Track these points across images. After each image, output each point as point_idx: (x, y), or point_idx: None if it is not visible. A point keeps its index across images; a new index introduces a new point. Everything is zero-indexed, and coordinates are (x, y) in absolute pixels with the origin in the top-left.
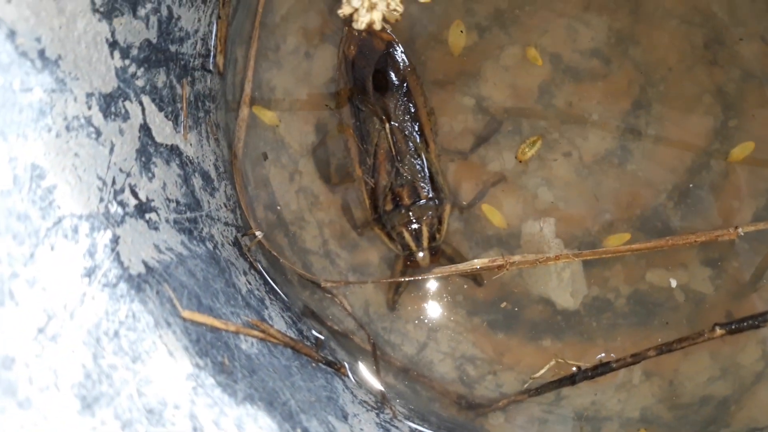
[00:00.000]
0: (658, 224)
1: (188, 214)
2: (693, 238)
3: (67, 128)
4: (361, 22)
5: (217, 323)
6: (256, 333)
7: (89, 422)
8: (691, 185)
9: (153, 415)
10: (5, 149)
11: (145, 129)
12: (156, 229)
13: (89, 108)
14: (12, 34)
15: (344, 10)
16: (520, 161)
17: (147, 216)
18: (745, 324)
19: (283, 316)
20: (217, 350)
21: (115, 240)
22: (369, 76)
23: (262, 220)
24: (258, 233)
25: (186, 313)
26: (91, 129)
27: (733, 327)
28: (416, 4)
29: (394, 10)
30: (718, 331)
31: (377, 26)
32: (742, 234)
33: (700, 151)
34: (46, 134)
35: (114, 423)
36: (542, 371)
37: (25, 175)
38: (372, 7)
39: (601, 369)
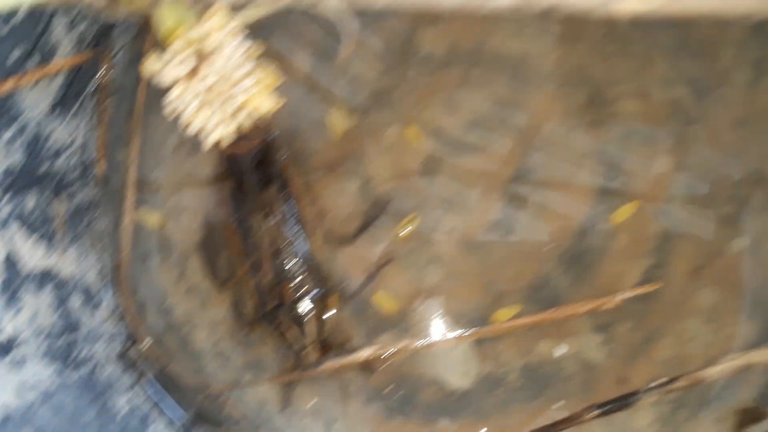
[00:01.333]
0: (547, 293)
1: (63, 339)
2: (576, 309)
3: None
4: (208, 143)
5: None
6: None
7: None
8: (578, 251)
9: None
10: None
11: (9, 261)
12: (22, 365)
13: None
14: None
15: (191, 131)
16: (398, 239)
17: (12, 353)
18: (617, 405)
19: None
20: None
21: None
22: (247, 172)
23: (152, 325)
24: (146, 341)
25: None
26: None
27: (606, 408)
28: (296, 90)
29: (240, 125)
30: (594, 412)
31: (225, 143)
32: (621, 300)
33: (585, 215)
34: None
35: None
36: None
37: None
38: (217, 126)
39: None
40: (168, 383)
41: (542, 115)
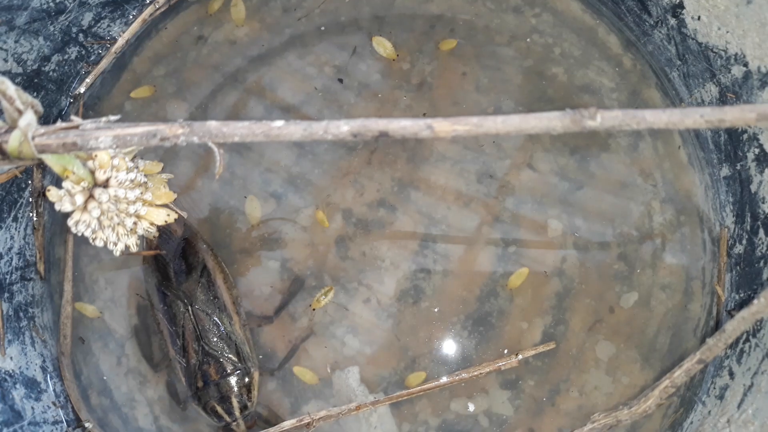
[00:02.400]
0: (455, 355)
1: (8, 431)
2: (479, 370)
3: None
4: (117, 251)
5: None
6: None
7: None
8: (481, 314)
9: None
10: None
11: None
12: None
13: None
14: None
15: (98, 244)
16: (314, 309)
17: None
18: None
19: None
20: None
21: None
22: (170, 264)
23: (96, 407)
24: (87, 424)
25: None
26: None
27: None
28: (216, 181)
29: (144, 231)
30: None
31: (133, 249)
32: (521, 359)
33: (486, 280)
34: None
35: None
36: None
37: None
38: (119, 238)
39: None
40: None
41: (439, 191)
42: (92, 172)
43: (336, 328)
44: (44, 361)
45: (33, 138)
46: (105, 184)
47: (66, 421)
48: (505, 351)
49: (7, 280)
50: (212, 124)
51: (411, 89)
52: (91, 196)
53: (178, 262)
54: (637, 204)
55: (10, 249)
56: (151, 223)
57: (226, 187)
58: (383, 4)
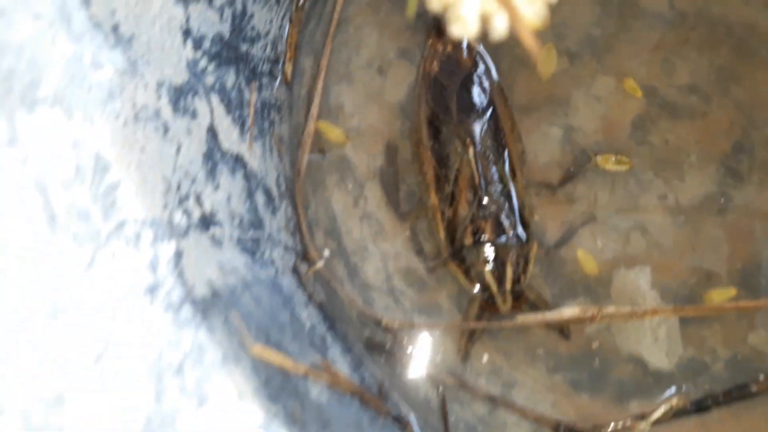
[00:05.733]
0: (762, 281)
1: (251, 233)
2: None
3: (136, 117)
4: (453, 26)
5: (288, 363)
6: (325, 377)
7: None
8: None
9: None
10: (70, 131)
11: (212, 131)
12: (220, 246)
13: (159, 98)
14: (87, 2)
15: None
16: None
17: (211, 230)
18: None
19: (345, 359)
20: (288, 395)
21: (179, 254)
22: (453, 95)
23: (321, 247)
24: (319, 261)
25: (256, 349)
26: (160, 123)
27: None
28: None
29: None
30: None
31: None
32: None
33: None
34: (114, 121)
35: None
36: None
37: (88, 165)
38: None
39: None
40: (335, 312)
41: (766, 92)
42: None
43: (621, 221)
44: (278, 177)
45: None
46: None
47: (295, 251)
48: None
49: (259, 69)
50: None
51: None
52: None
53: (463, 95)
54: None
55: (267, 33)
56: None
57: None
58: None
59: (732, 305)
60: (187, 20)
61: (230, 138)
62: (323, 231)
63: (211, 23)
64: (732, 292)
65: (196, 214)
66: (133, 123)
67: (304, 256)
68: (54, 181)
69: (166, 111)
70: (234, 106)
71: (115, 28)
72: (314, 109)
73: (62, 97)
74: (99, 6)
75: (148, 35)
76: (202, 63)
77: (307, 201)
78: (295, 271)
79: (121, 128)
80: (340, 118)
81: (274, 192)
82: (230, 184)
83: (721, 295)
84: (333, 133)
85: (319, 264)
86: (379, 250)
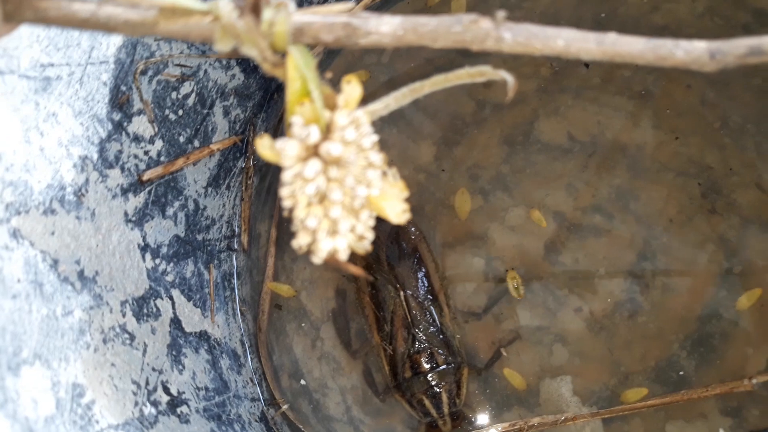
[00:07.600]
0: (673, 375)
1: (216, 399)
2: (708, 392)
3: (104, 341)
4: (320, 254)
5: None
6: None
7: None
8: (702, 334)
9: None
10: (49, 376)
11: (175, 321)
12: (187, 422)
13: (123, 315)
14: (55, 264)
15: (300, 240)
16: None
17: (178, 410)
18: None
19: None
20: None
21: None
22: (382, 246)
23: (286, 389)
24: (284, 405)
25: None
26: (126, 336)
27: None
28: (423, 173)
29: (362, 236)
30: None
31: (342, 255)
32: (756, 384)
33: (708, 300)
34: (85, 352)
35: None
36: None
37: (66, 396)
38: (334, 232)
39: None
40: None
41: (660, 203)
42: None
43: (543, 336)
44: (242, 336)
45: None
46: (334, 138)
47: (263, 400)
48: (726, 376)
49: (217, 248)
50: (531, 27)
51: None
52: (314, 148)
53: (391, 245)
54: None
55: (221, 216)
56: (377, 217)
57: (432, 179)
58: (606, 9)
59: (642, 404)
60: (144, 238)
61: (192, 321)
62: (287, 374)
63: (166, 231)
64: (644, 391)
65: (164, 401)
66: (103, 346)
67: (272, 401)
68: (37, 420)
69: (131, 323)
70: (194, 290)
71: (81, 274)
72: (269, 271)
73: (40, 352)
74: (65, 263)
75: (110, 266)
76: (162, 267)
77: (272, 349)
78: (262, 418)
79: (92, 355)
80: (295, 272)
81: (239, 351)
82: (194, 362)
83: (635, 395)
84: (282, 289)
85: (285, 407)
86: (338, 386)
